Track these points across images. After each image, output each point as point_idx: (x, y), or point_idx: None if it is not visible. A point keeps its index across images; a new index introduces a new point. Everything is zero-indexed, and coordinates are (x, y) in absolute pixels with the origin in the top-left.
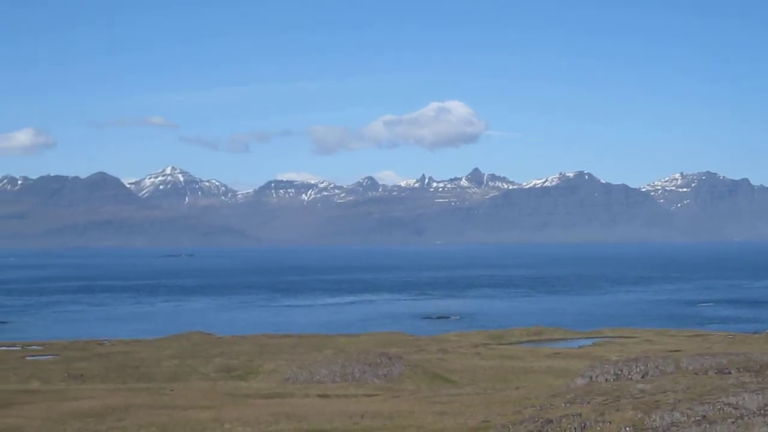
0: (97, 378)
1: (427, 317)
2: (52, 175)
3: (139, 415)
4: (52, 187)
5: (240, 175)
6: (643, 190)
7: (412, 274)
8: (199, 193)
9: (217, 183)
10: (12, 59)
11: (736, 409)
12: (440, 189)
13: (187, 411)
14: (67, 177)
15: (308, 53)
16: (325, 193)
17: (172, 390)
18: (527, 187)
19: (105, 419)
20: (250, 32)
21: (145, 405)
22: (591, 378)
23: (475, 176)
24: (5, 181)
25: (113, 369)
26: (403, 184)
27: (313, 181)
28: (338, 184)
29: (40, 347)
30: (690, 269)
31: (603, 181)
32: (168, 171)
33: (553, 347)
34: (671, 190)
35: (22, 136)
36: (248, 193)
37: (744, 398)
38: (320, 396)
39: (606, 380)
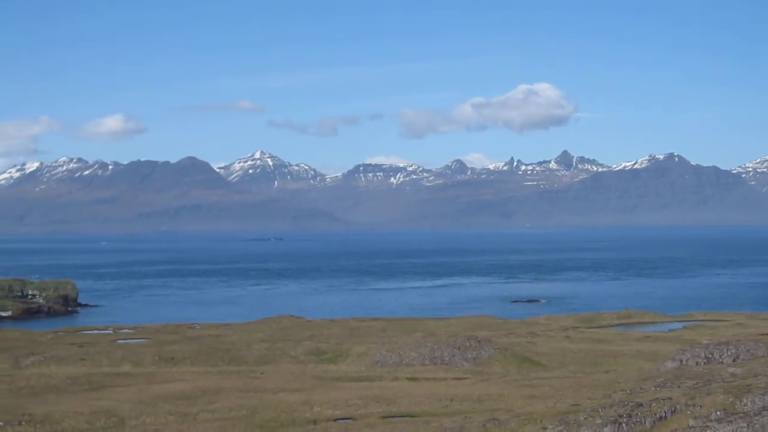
0: (187, 361)
1: (516, 300)
2: (142, 160)
3: (229, 397)
4: (143, 172)
5: (329, 158)
6: (734, 172)
7: (501, 258)
8: (288, 177)
9: (306, 167)
10: (101, 46)
11: None
12: (529, 172)
13: (277, 394)
14: (158, 162)
15: (397, 36)
16: (414, 177)
17: (262, 373)
18: (617, 169)
19: (196, 402)
20: (339, 15)
21: (236, 388)
22: (681, 362)
23: (564, 159)
24: (97, 166)
25: (204, 352)
26: (491, 167)
27: (401, 165)
28: (427, 168)
29: (131, 331)
30: None
31: (693, 163)
32: (257, 155)
33: (642, 330)
34: (763, 171)
35: (113, 122)
36: (337, 176)
37: None
38: (409, 379)
39: (696, 364)
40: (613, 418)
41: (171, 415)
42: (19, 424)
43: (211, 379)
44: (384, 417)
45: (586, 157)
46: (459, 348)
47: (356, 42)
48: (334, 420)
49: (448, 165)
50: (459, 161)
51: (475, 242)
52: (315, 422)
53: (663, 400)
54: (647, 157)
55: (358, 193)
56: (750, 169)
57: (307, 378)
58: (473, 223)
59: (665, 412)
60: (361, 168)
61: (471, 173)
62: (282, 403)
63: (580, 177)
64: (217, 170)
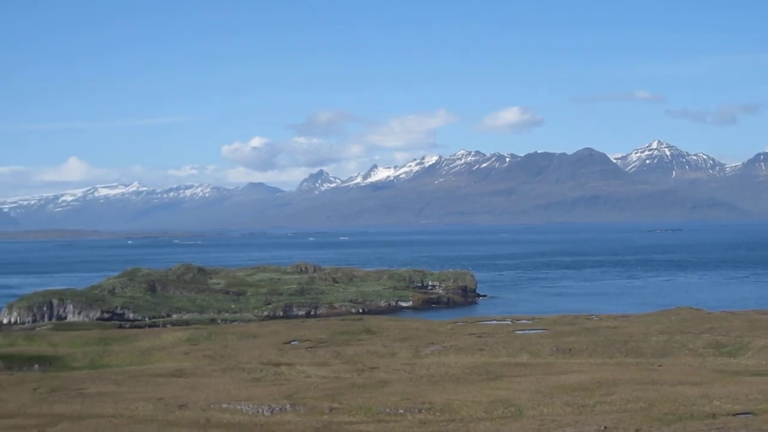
0: (584, 352)
1: None
2: (539, 152)
3: (626, 389)
4: (540, 164)
5: (727, 147)
6: None
7: None
8: (686, 167)
9: (705, 156)
10: (483, 40)
11: None
12: None
13: (675, 387)
14: (554, 153)
15: None
16: None
17: (660, 365)
18: None
19: (593, 393)
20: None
21: (633, 380)
22: None
23: None
24: (494, 159)
25: (601, 344)
26: None
27: None
28: None
29: (529, 321)
30: None
31: None
32: (654, 145)
33: None
34: None
35: (510, 115)
36: (736, 166)
37: None
38: None
39: None
40: None
41: (568, 406)
42: (419, 411)
43: (608, 370)
44: None
45: None
46: None
47: (741, 27)
48: (734, 414)
49: None
50: None
51: None
52: (714, 416)
53: None
54: None
55: (759, 182)
56: None
57: (706, 371)
58: None
59: None
60: (762, 157)
61: None
62: (680, 396)
63: None
64: (614, 161)
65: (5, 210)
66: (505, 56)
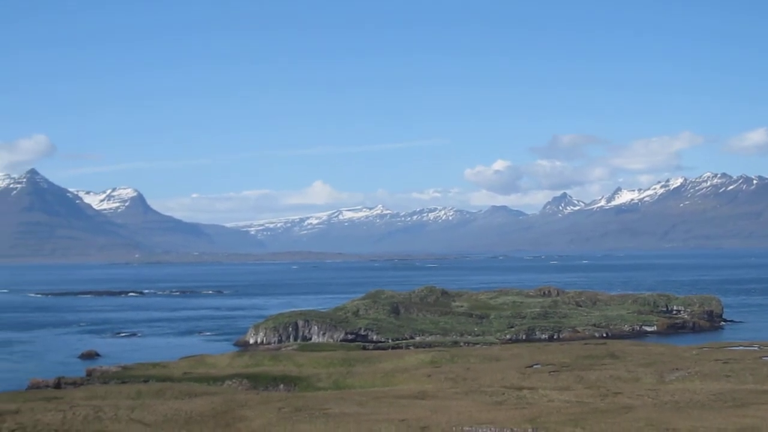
0: None
1: None
2: None
3: None
4: None
5: None
6: None
7: None
8: None
9: None
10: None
11: None
12: None
13: None
14: None
15: None
16: None
17: None
18: None
19: None
20: None
21: None
22: None
23: None
24: (741, 181)
25: None
26: None
27: None
28: None
29: None
30: None
31: None
32: None
33: None
34: None
35: (757, 136)
36: None
37: None
38: None
39: None
40: None
41: None
42: None
43: None
44: None
45: None
46: None
47: None
48: None
49: None
50: None
51: None
52: None
53: None
54: None
55: None
56: None
57: None
58: None
59: None
60: None
61: None
62: None
63: None
64: None
65: (252, 233)
66: (750, 75)
